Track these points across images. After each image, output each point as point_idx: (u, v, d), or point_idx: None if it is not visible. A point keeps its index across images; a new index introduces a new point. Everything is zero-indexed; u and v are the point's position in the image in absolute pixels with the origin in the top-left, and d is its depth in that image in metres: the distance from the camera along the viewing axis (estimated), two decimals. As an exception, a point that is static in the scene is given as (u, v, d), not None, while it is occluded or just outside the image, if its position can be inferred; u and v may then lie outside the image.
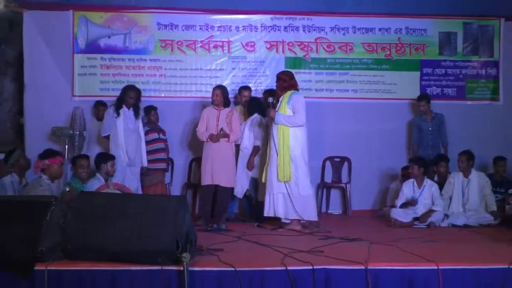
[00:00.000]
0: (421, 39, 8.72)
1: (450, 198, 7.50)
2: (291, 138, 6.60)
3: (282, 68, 8.52)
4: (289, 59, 8.61)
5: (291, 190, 6.56)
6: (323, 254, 5.00)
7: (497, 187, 7.78)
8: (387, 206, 7.94)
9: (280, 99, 6.74)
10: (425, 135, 8.27)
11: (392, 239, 5.85)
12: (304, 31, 8.63)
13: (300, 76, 8.44)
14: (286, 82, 6.82)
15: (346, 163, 8.50)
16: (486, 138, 8.56)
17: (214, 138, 7.10)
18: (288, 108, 6.69)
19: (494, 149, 8.28)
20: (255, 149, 7.22)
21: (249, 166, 7.20)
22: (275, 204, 6.64)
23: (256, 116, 7.35)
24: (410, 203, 7.26)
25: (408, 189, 7.40)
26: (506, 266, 4.63)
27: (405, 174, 7.85)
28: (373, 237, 6.00)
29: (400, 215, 7.24)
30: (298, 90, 6.88)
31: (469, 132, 8.60)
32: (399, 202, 7.34)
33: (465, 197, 7.47)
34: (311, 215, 6.61)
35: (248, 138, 7.26)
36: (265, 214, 6.72)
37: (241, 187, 7.23)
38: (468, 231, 6.77)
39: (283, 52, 8.61)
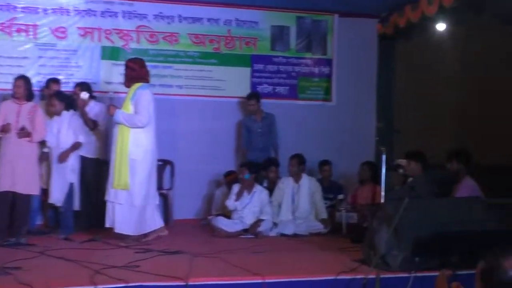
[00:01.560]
0: (252, 33, 9.10)
1: (280, 205, 7.94)
2: (130, 140, 6.59)
3: (97, 58, 8.43)
4: (106, 48, 8.54)
5: (124, 200, 6.58)
6: (139, 269, 5.09)
7: (327, 192, 8.35)
8: (212, 214, 8.20)
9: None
10: (254, 136, 8.66)
11: (217, 251, 6.10)
12: (124, 17, 8.60)
13: (118, 68, 8.40)
14: (134, 71, 6.74)
15: (168, 167, 8.62)
16: (318, 141, 9.19)
17: (6, 128, 6.70)
18: (131, 104, 6.66)
19: (326, 152, 8.92)
20: (75, 145, 7.04)
21: (60, 158, 7.02)
22: (114, 213, 6.66)
23: (74, 112, 7.21)
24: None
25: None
26: (334, 277, 5.03)
27: (230, 181, 8.18)
28: (196, 249, 6.19)
29: (226, 224, 7.52)
30: (148, 82, 6.84)
31: (301, 134, 9.17)
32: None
33: (295, 204, 7.92)
34: (132, 228, 6.68)
35: (67, 136, 7.06)
36: (107, 225, 6.72)
37: (59, 194, 7.02)
38: (297, 241, 7.21)
39: (99, 40, 8.52)
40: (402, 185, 7.40)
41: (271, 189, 8.04)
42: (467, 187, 6.60)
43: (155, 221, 6.84)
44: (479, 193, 6.49)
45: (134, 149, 6.62)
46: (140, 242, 6.62)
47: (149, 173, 6.74)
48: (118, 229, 6.71)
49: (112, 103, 6.92)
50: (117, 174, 6.60)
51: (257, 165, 8.03)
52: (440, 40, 9.06)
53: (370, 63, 9.63)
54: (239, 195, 7.65)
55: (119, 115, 6.65)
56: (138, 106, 6.64)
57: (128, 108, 6.69)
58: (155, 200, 6.90)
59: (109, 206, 6.74)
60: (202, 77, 8.89)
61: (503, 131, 8.34)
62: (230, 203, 7.66)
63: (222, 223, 7.52)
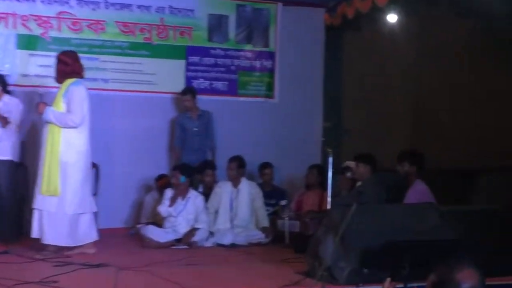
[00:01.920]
0: (188, 21, 9.02)
1: (217, 212, 7.90)
2: (61, 141, 6.47)
3: (11, 47, 8.22)
4: (22, 36, 8.32)
5: (55, 207, 6.44)
6: (57, 285, 4.99)
7: (268, 198, 8.35)
8: (141, 223, 8.09)
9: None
10: (189, 136, 8.60)
11: (146, 264, 6.02)
12: (43, 2, 8.39)
13: (37, 59, 8.22)
14: (68, 66, 6.66)
15: (93, 170, 8.45)
16: (260, 142, 9.18)
17: None
18: (63, 102, 6.54)
19: (268, 154, 8.91)
20: None
21: None
22: (42, 222, 6.49)
23: None
24: None
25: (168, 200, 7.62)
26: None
27: (162, 185, 8.09)
28: (122, 261, 6.10)
29: (157, 233, 7.44)
30: (82, 77, 6.75)
31: (240, 134, 9.14)
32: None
33: (233, 211, 7.91)
34: (64, 239, 6.53)
35: None
36: (33, 235, 6.54)
37: None
38: (236, 252, 7.19)
39: (14, 27, 8.29)
40: (350, 189, 7.46)
41: (207, 195, 7.99)
42: (418, 192, 6.69)
43: (90, 234, 6.70)
44: (431, 198, 6.58)
45: (66, 150, 6.50)
46: (60, 254, 6.45)
47: (84, 177, 6.64)
48: (46, 240, 6.51)
49: (42, 100, 6.72)
50: (46, 179, 6.46)
51: (192, 168, 7.98)
52: (392, 32, 9.18)
53: (316, 56, 9.66)
54: (173, 201, 7.56)
55: (49, 113, 6.52)
56: (71, 104, 6.55)
57: (60, 106, 6.58)
58: (92, 207, 6.78)
59: (36, 214, 6.56)
60: (131, 70, 8.76)
61: (459, 132, 8.51)
62: (163, 209, 7.57)
63: (153, 232, 7.44)
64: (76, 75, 6.71)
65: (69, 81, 6.67)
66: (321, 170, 8.24)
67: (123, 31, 8.76)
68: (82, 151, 6.63)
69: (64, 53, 6.88)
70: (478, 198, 8.07)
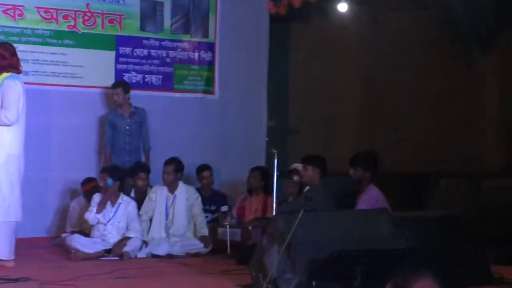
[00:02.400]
0: (118, 8, 8.98)
1: (151, 220, 7.90)
2: None
3: None
4: None
5: None
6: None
7: (208, 204, 8.39)
8: (67, 231, 8.05)
9: None
10: (121, 136, 8.59)
11: (72, 277, 6.00)
12: (-48, -16, 8.31)
13: None
14: (5, 60, 6.66)
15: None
16: (198, 142, 9.22)
17: None
18: None
19: (207, 156, 8.95)
20: None
21: None
22: None
23: None
24: None
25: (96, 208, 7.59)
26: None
27: (89, 190, 8.07)
28: (45, 275, 6.07)
29: (84, 243, 7.41)
30: (19, 72, 6.76)
31: (177, 134, 9.16)
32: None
33: (169, 218, 7.92)
34: None
35: None
36: None
37: None
38: (172, 263, 7.21)
39: None
40: (297, 195, 7.54)
41: (140, 201, 7.99)
42: (371, 198, 6.83)
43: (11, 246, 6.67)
44: (384, 204, 6.72)
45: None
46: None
47: (12, 182, 6.64)
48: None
49: None
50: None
51: (123, 170, 7.97)
52: (343, 23, 9.33)
53: (260, 49, 9.74)
54: (102, 207, 7.55)
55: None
56: (5, 99, 6.55)
57: (-6, 103, 6.56)
58: (17, 217, 6.74)
59: None
60: (54, 61, 8.70)
61: (416, 134, 8.72)
62: (91, 215, 7.55)
63: (79, 242, 7.40)
64: (12, 69, 6.72)
65: (4, 75, 6.67)
66: (265, 173, 8.31)
67: (44, 17, 8.67)
68: (14, 154, 6.65)
69: (1, 45, 6.91)
70: (435, 204, 8.28)
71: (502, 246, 6.79)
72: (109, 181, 7.59)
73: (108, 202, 7.63)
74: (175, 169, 8.00)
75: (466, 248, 5.89)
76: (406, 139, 8.67)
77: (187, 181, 8.53)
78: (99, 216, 7.56)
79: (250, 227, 7.70)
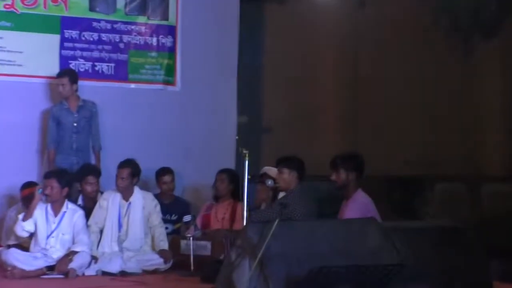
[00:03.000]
0: (59, -14, 8.96)
1: (102, 232, 7.86)
2: None
3: None
4: None
5: None
6: None
7: (168, 213, 8.37)
8: (1, 246, 7.97)
9: None
10: (67, 133, 8.55)
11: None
12: None
13: None
14: None
15: None
16: (157, 142, 9.18)
17: None
18: None
19: (168, 158, 8.94)
20: None
21: None
22: None
23: None
24: None
25: (41, 218, 7.53)
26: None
27: (28, 196, 7.98)
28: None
29: (22, 259, 7.32)
30: None
31: (133, 132, 9.12)
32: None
33: (123, 229, 7.89)
34: None
35: None
36: None
37: None
38: (126, 281, 7.17)
39: None
40: (271, 202, 7.54)
41: (88, 209, 7.95)
42: (358, 205, 6.82)
43: None
44: (374, 212, 6.72)
45: None
46: None
47: None
48: None
49: None
50: None
51: (70, 174, 7.93)
52: (325, 3, 9.31)
53: (229, 33, 9.71)
54: (28, 213, 7.51)
55: None
56: None
57: None
58: None
59: None
60: (-12, 46, 8.64)
61: (408, 132, 8.73)
62: (19, 227, 7.51)
63: (17, 257, 7.34)
64: None
65: None
66: (234, 176, 8.29)
67: (-25, -4, 8.63)
68: None
69: None
70: (430, 212, 8.30)
71: (506, 260, 6.80)
72: (40, 190, 7.56)
73: (50, 211, 7.61)
74: (131, 173, 7.96)
75: (465, 263, 5.88)
76: (397, 137, 8.67)
77: (145, 187, 8.49)
78: (25, 224, 7.49)
79: (217, 239, 7.66)
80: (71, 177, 7.97)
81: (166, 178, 8.65)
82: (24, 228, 7.52)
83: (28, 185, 8.26)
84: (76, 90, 8.63)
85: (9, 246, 7.73)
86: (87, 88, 8.86)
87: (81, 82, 8.78)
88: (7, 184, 8.58)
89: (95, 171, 8.34)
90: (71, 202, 7.81)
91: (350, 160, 7.05)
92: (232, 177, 8.31)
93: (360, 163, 7.07)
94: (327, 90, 9.41)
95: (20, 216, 7.56)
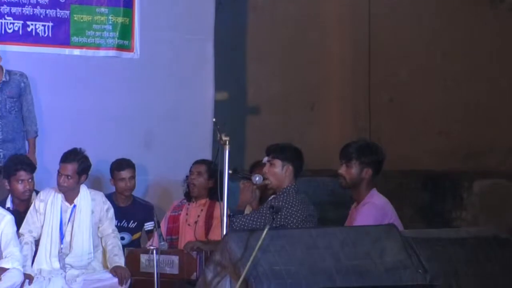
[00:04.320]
0: None
1: (38, 243, 7.88)
2: None
3: None
4: None
5: None
6: None
7: (125, 219, 8.47)
8: None
9: None
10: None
11: None
12: None
13: None
14: None
15: None
16: (111, 126, 9.34)
17: None
18: None
19: (124, 147, 9.08)
20: None
21: None
22: None
23: None
24: None
25: None
26: None
27: None
28: None
29: None
30: None
31: (78, 113, 9.23)
32: None
33: (65, 241, 7.91)
34: None
35: None
36: None
37: None
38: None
39: None
40: (258, 204, 7.57)
41: (20, 213, 7.99)
42: (373, 209, 6.82)
43: None
44: (393, 218, 6.76)
45: None
46: None
47: None
48: None
49: None
50: None
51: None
52: None
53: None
54: None
55: None
56: None
57: None
58: None
59: None
60: None
61: (434, 115, 8.80)
62: None
63: None
64: None
65: None
66: (212, 170, 8.35)
67: None
68: None
69: None
70: (466, 217, 8.36)
71: None
72: None
73: None
74: (77, 168, 7.95)
75: (511, 284, 5.96)
76: (422, 123, 8.73)
77: (97, 185, 8.63)
78: None
79: (188, 252, 7.70)
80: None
81: (124, 173, 8.63)
82: None
83: None
84: (-1, 62, 8.69)
85: None
86: (16, 55, 8.96)
87: (8, 47, 8.88)
88: None
89: (28, 165, 8.33)
90: (-3, 205, 7.84)
91: (368, 152, 6.94)
92: (210, 170, 8.33)
93: (381, 159, 7.00)
94: (332, 61, 9.45)
95: None
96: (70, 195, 8.01)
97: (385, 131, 8.81)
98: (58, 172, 7.96)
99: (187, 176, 8.44)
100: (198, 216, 8.29)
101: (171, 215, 8.46)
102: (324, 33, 9.64)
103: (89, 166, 8.08)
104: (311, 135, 9.09)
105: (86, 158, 8.04)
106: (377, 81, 9.30)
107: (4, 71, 8.65)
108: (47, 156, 8.38)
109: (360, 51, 9.46)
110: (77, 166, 7.93)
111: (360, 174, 6.85)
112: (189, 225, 8.29)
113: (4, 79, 8.63)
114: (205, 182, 8.33)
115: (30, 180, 8.21)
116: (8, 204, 8.22)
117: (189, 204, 8.44)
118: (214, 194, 8.05)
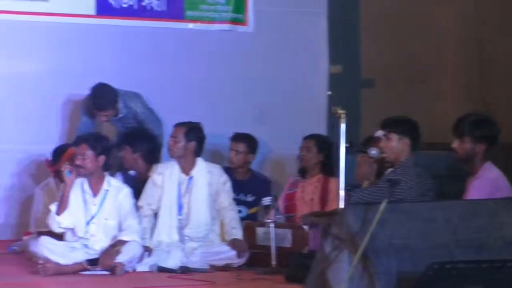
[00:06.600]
0: None
1: (156, 215, 8.02)
2: None
3: None
4: None
5: None
6: None
7: (243, 192, 8.57)
8: (30, 232, 8.24)
9: None
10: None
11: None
12: None
13: None
14: None
15: None
16: (226, 100, 9.47)
17: None
18: None
19: (240, 121, 9.26)
20: None
21: None
22: None
23: None
24: None
25: (76, 200, 7.64)
26: None
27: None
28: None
29: (57, 251, 7.47)
30: None
31: (191, 84, 9.45)
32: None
33: (183, 212, 8.03)
34: None
35: None
36: None
37: None
38: (188, 280, 7.30)
39: None
40: (375, 178, 7.59)
41: (139, 185, 8.15)
42: (488, 182, 6.79)
43: None
44: (506, 190, 6.72)
45: None
46: None
47: None
48: None
49: None
50: None
51: (108, 141, 8.08)
52: None
53: None
54: (62, 205, 7.60)
55: None
56: None
57: None
58: None
59: None
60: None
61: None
62: (53, 223, 7.62)
63: (50, 248, 7.47)
64: None
65: None
66: (325, 143, 8.40)
67: None
68: None
69: None
70: None
71: None
72: (67, 172, 7.61)
73: (88, 190, 7.75)
74: (188, 137, 8.05)
75: None
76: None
77: (215, 157, 8.78)
78: (60, 219, 7.61)
79: (305, 226, 7.78)
80: (110, 145, 8.10)
81: (241, 146, 8.72)
82: (60, 224, 7.63)
83: (60, 152, 8.31)
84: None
85: (39, 234, 7.86)
86: (132, 31, 9.19)
87: (122, 22, 9.14)
88: (29, 152, 8.91)
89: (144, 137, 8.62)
90: (114, 175, 8.10)
91: (481, 127, 6.86)
92: (322, 144, 8.36)
93: (495, 133, 6.93)
94: (444, 33, 9.38)
95: (53, 208, 7.64)
96: (186, 166, 8.09)
97: (500, 103, 8.73)
98: (169, 142, 8.11)
99: (300, 152, 8.51)
100: (313, 193, 8.36)
101: (287, 193, 8.55)
102: (436, 4, 9.58)
103: (203, 136, 8.14)
104: (424, 108, 9.03)
105: (197, 127, 8.13)
106: (490, 52, 9.23)
107: (121, 105, 8.80)
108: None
109: (472, 22, 9.39)
110: (188, 134, 8.00)
111: (473, 148, 6.82)
112: (305, 202, 8.37)
113: (121, 114, 8.83)
114: (314, 156, 8.39)
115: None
116: (133, 173, 8.44)
117: (304, 181, 8.50)
118: (327, 168, 8.10)
